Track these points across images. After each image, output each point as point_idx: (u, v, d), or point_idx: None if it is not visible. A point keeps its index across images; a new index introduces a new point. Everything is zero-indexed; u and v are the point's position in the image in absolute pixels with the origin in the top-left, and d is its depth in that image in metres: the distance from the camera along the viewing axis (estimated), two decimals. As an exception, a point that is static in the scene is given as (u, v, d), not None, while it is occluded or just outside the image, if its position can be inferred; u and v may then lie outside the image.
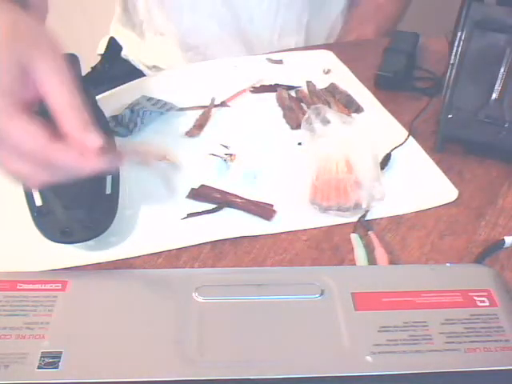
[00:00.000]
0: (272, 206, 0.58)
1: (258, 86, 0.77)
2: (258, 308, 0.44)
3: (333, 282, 0.46)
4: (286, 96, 0.74)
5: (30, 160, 0.44)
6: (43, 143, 0.43)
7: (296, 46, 0.93)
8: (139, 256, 0.53)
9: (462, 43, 0.61)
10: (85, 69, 0.75)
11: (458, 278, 0.47)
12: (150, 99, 0.70)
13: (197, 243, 0.54)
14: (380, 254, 0.52)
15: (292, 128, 0.69)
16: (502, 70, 0.61)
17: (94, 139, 0.44)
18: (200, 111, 0.71)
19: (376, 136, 0.61)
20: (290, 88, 0.76)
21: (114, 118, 0.67)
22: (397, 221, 0.57)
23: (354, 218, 0.56)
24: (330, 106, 0.71)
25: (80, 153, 0.44)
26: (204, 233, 0.55)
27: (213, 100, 0.72)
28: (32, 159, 0.44)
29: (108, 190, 0.56)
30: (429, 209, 0.58)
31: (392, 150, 0.64)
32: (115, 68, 0.98)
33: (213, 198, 0.58)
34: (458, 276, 0.48)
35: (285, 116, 0.71)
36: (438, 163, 0.64)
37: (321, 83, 0.77)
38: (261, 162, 0.63)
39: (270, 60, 0.83)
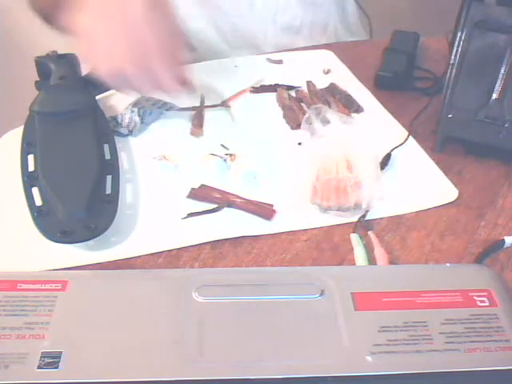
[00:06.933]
0: (272, 205, 0.58)
1: (257, 86, 0.77)
2: (258, 308, 0.44)
3: (333, 282, 0.46)
4: (285, 96, 0.74)
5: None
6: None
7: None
8: (139, 256, 0.53)
9: (462, 43, 0.61)
10: (85, 69, 0.75)
11: (457, 278, 0.47)
12: (149, 99, 0.70)
13: (197, 243, 0.54)
14: (380, 253, 0.52)
15: (292, 128, 0.69)
16: (502, 70, 0.61)
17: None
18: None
19: (376, 136, 0.61)
20: (290, 88, 0.76)
21: (114, 118, 0.67)
22: (397, 221, 0.57)
23: (354, 218, 0.56)
24: (330, 106, 0.71)
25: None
26: (204, 233, 0.55)
27: (202, 98, 0.72)
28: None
29: (108, 190, 0.56)
30: (429, 209, 0.58)
31: (392, 150, 0.64)
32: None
33: (213, 198, 0.58)
34: (458, 276, 0.48)
35: (285, 116, 0.71)
36: (438, 163, 0.64)
37: (321, 83, 0.77)
38: (261, 161, 0.63)
39: (270, 60, 0.83)
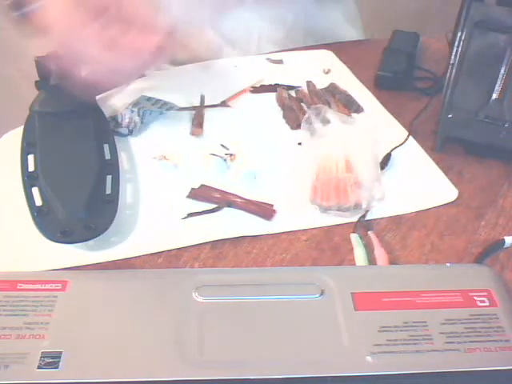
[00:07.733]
0: (272, 205, 0.58)
1: (257, 86, 0.77)
2: (258, 308, 0.44)
3: (333, 282, 0.46)
4: (285, 96, 0.74)
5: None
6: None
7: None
8: (139, 256, 0.53)
9: (462, 43, 0.61)
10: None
11: (457, 278, 0.47)
12: (149, 99, 0.70)
13: (197, 243, 0.54)
14: (380, 253, 0.52)
15: (292, 128, 0.69)
16: (502, 70, 0.61)
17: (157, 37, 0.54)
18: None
19: (376, 136, 0.61)
20: (290, 88, 0.76)
21: (114, 118, 0.67)
22: (397, 221, 0.57)
23: (354, 218, 0.56)
24: (330, 106, 0.71)
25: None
26: (204, 233, 0.55)
27: (202, 97, 0.72)
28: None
29: (108, 190, 0.56)
30: (429, 209, 0.58)
31: (392, 150, 0.64)
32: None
33: (213, 198, 0.58)
34: (458, 276, 0.48)
35: (285, 116, 0.71)
36: (438, 163, 0.64)
37: (321, 83, 0.77)
38: (261, 162, 0.63)
39: (269, 60, 0.83)
